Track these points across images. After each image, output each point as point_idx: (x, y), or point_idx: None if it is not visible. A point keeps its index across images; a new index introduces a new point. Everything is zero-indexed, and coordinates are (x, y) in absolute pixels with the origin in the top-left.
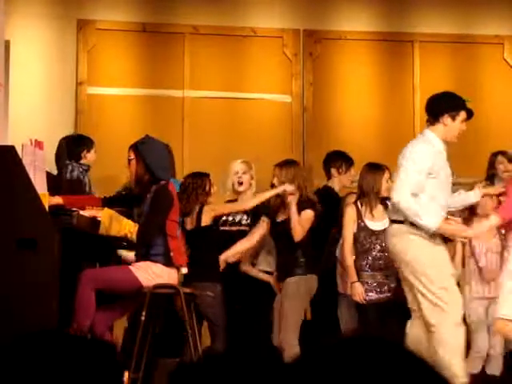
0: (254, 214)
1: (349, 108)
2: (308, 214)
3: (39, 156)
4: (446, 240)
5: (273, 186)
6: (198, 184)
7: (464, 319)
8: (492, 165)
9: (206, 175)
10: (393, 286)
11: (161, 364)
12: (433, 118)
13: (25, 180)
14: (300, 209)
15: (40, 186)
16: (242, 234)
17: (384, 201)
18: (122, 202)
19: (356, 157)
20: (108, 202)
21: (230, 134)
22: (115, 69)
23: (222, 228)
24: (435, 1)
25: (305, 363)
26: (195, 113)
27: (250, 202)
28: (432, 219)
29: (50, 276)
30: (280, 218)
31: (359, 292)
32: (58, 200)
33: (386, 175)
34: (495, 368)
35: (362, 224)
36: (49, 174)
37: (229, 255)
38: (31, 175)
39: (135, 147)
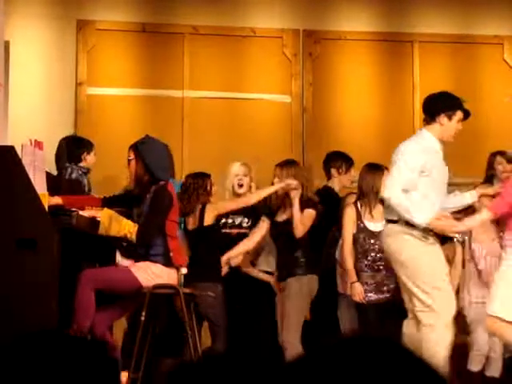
0: (254, 214)
1: (348, 108)
2: (310, 212)
3: (39, 156)
4: (446, 240)
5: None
6: (199, 184)
7: (461, 318)
8: (491, 165)
9: (207, 175)
10: (392, 286)
11: (161, 364)
12: (429, 118)
13: (24, 180)
14: (301, 208)
15: (39, 186)
16: (243, 237)
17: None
18: (121, 202)
19: (356, 157)
20: (107, 202)
21: (230, 134)
22: (115, 69)
23: (222, 231)
24: (435, 1)
25: (304, 363)
26: (195, 113)
27: (253, 196)
28: (422, 215)
29: (50, 276)
30: (280, 218)
31: (359, 292)
32: (57, 200)
33: (386, 176)
34: (495, 370)
35: (362, 225)
36: (48, 175)
37: (231, 256)
38: (31, 175)
39: (135, 147)
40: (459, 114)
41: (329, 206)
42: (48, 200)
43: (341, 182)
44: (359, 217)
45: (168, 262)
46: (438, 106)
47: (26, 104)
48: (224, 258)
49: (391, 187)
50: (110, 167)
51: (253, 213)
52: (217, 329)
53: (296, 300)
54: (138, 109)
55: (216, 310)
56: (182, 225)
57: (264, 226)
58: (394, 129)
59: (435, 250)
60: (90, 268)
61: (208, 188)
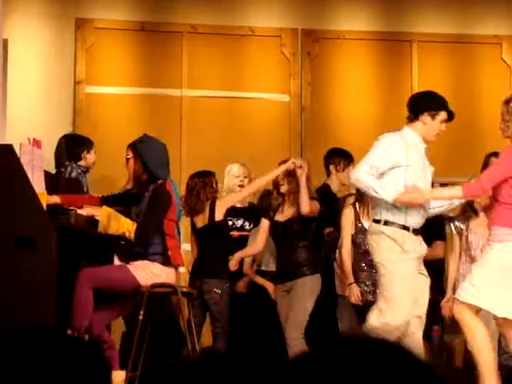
0: (255, 215)
1: (347, 107)
2: (315, 202)
3: (37, 155)
4: (444, 237)
5: (275, 183)
6: (205, 182)
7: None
8: (486, 166)
9: (212, 173)
10: None
11: (159, 364)
12: (413, 116)
13: (23, 179)
14: None
15: (38, 184)
16: (245, 239)
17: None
18: (120, 201)
19: (354, 156)
20: (106, 201)
21: (228, 133)
22: (113, 68)
23: None
24: (433, 0)
25: (304, 363)
26: (193, 112)
27: (260, 180)
28: (386, 191)
29: (48, 275)
30: (280, 219)
31: (355, 294)
32: (55, 199)
33: None
34: None
35: (360, 225)
36: (47, 173)
37: (243, 256)
38: (29, 174)
39: (133, 146)
40: (443, 115)
41: (325, 204)
42: (46, 199)
43: (338, 179)
44: (357, 217)
45: (166, 261)
46: (423, 104)
47: (24, 102)
48: (237, 257)
49: (358, 168)
50: (109, 166)
51: (252, 212)
52: (218, 324)
53: (305, 300)
54: (136, 107)
55: (220, 307)
56: (190, 225)
57: (264, 226)
58: (393, 128)
59: (409, 260)
60: (88, 267)
61: (214, 185)
